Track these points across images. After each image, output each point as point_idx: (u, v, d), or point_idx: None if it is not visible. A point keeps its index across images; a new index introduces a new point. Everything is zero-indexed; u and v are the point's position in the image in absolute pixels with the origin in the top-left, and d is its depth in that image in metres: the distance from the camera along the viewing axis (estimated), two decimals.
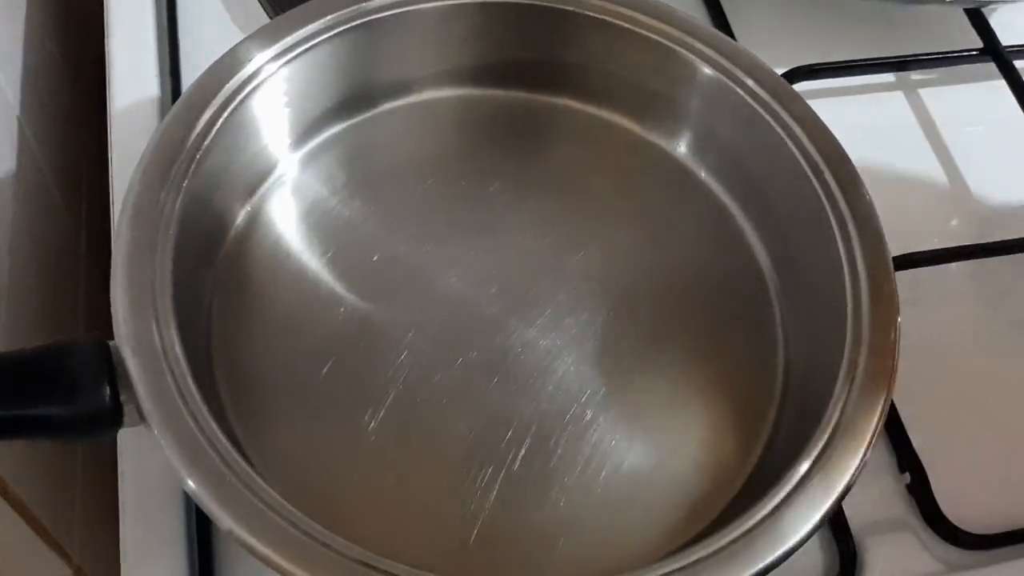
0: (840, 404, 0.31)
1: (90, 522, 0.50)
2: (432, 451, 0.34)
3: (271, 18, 0.46)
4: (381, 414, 0.34)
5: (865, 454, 0.30)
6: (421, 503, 0.33)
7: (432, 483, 0.34)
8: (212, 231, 0.36)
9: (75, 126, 0.58)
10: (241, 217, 0.37)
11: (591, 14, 0.38)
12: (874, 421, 0.31)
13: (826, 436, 0.31)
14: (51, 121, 0.52)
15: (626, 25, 0.38)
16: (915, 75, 0.49)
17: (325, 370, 0.35)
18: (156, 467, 0.34)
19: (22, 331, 0.44)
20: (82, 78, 0.60)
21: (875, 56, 0.48)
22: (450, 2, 0.37)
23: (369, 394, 0.34)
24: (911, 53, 0.48)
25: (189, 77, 0.43)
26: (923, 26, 0.50)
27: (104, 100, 0.61)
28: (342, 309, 0.36)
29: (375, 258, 0.37)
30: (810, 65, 0.47)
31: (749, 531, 0.29)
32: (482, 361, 0.35)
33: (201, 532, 0.34)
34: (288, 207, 0.38)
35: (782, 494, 0.30)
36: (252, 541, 0.27)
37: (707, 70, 0.38)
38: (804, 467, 0.30)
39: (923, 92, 0.49)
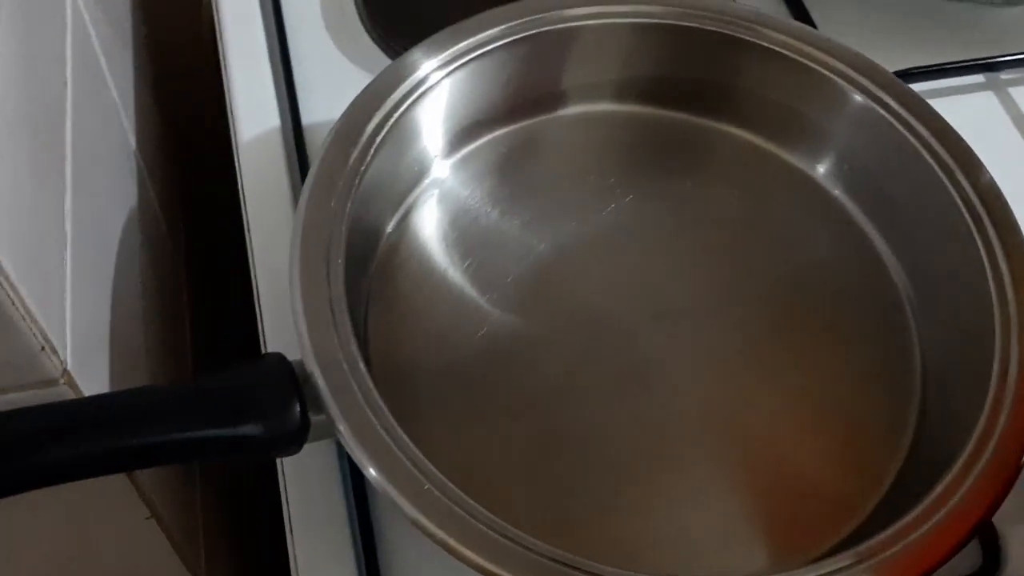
0: (995, 401, 0.32)
1: (210, 540, 0.51)
2: (580, 460, 0.35)
3: (376, 44, 0.47)
4: (529, 424, 0.35)
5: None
6: (570, 508, 0.34)
7: (582, 490, 0.34)
8: (367, 243, 0.37)
9: (167, 155, 0.59)
10: (392, 227, 0.38)
11: (749, 39, 0.39)
12: None
13: (982, 436, 0.32)
14: (154, 153, 0.54)
15: (780, 50, 0.39)
16: (1004, 75, 0.50)
17: (471, 380, 0.36)
18: (319, 483, 0.35)
19: (153, 353, 0.45)
20: (169, 110, 0.62)
21: (965, 58, 0.49)
22: (611, 21, 0.39)
23: (515, 404, 0.35)
24: (1000, 54, 0.49)
25: (305, 103, 0.45)
26: (1011, 27, 0.51)
27: (193, 136, 0.62)
28: (485, 321, 0.37)
29: (516, 270, 0.38)
30: (903, 70, 0.47)
31: (896, 541, 0.30)
32: (620, 373, 0.36)
33: (366, 541, 0.34)
34: (435, 216, 0.39)
35: (929, 506, 0.31)
36: (460, 547, 0.28)
37: (857, 97, 0.39)
38: (953, 476, 0.31)
39: (1013, 92, 0.50)
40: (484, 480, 0.34)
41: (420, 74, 0.37)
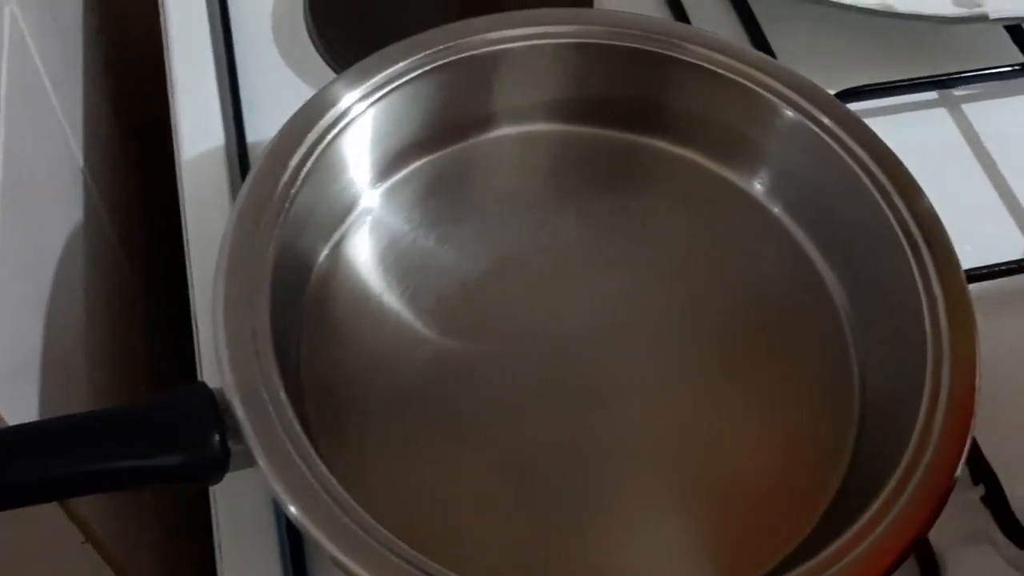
0: (927, 421, 0.32)
1: (161, 565, 0.50)
2: (521, 483, 0.35)
3: (327, 62, 0.47)
4: (469, 448, 0.35)
5: (957, 471, 0.31)
6: (513, 533, 0.34)
7: (522, 513, 0.34)
8: (298, 272, 0.36)
9: (124, 172, 0.59)
10: (324, 256, 0.38)
11: (679, 56, 0.39)
12: (966, 436, 0.31)
13: (912, 458, 0.31)
14: (107, 170, 0.54)
15: (709, 67, 0.39)
16: (957, 92, 0.50)
17: (412, 406, 0.35)
18: (250, 507, 0.35)
19: (96, 372, 0.45)
20: (127, 126, 0.61)
21: (918, 75, 0.49)
22: (537, 42, 0.39)
23: (456, 428, 0.35)
24: (953, 71, 0.49)
25: (252, 122, 0.45)
26: (963, 44, 0.51)
27: (147, 144, 0.62)
28: (424, 345, 0.37)
29: (453, 295, 0.38)
30: (856, 87, 0.47)
31: (839, 557, 0.30)
32: (563, 396, 0.36)
33: (297, 568, 0.34)
34: (369, 244, 0.39)
35: (865, 525, 0.31)
36: None
37: (788, 111, 0.39)
38: (888, 495, 0.31)
39: (966, 108, 0.50)
40: (425, 508, 0.34)
41: (342, 106, 0.37)
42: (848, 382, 0.37)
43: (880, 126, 0.42)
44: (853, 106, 0.46)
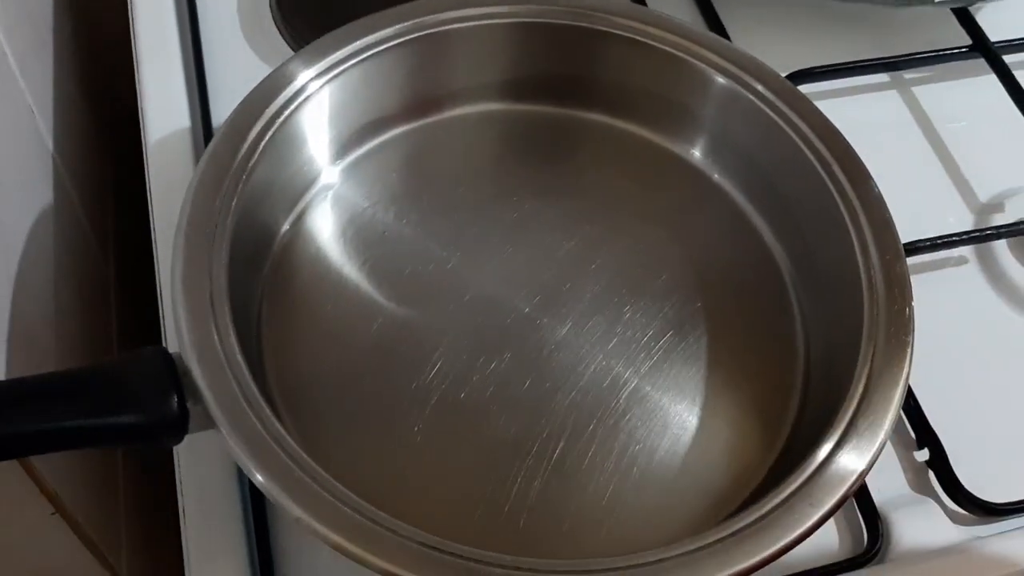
0: (862, 382, 0.33)
1: (135, 537, 0.51)
2: (476, 448, 0.36)
3: (291, 48, 0.48)
4: (426, 415, 0.36)
5: (891, 422, 0.32)
6: (469, 496, 0.35)
7: (478, 477, 0.35)
8: (259, 243, 0.37)
9: (97, 158, 0.60)
10: (285, 228, 0.39)
11: (614, 31, 0.41)
12: (896, 395, 0.32)
13: (850, 412, 0.33)
14: (79, 156, 0.54)
15: (644, 40, 0.40)
16: (908, 74, 0.51)
17: (369, 375, 0.36)
18: (214, 473, 0.36)
19: (68, 353, 0.45)
20: (100, 112, 0.62)
21: (868, 57, 0.50)
22: (486, 22, 0.40)
23: (412, 397, 0.36)
24: (903, 53, 0.50)
25: (217, 106, 0.45)
26: (912, 27, 0.52)
27: (121, 131, 0.62)
28: (381, 317, 0.38)
29: (411, 266, 0.39)
30: (807, 68, 0.49)
31: (778, 507, 0.31)
32: (517, 360, 0.37)
33: (260, 533, 0.35)
34: (329, 218, 0.40)
35: (808, 471, 0.32)
36: (322, 529, 0.28)
37: (720, 79, 0.40)
38: (830, 444, 0.32)
39: (916, 90, 0.51)
40: (385, 471, 0.35)
41: (299, 82, 0.38)
42: (792, 338, 0.38)
43: (832, 107, 0.43)
44: (804, 87, 0.47)
